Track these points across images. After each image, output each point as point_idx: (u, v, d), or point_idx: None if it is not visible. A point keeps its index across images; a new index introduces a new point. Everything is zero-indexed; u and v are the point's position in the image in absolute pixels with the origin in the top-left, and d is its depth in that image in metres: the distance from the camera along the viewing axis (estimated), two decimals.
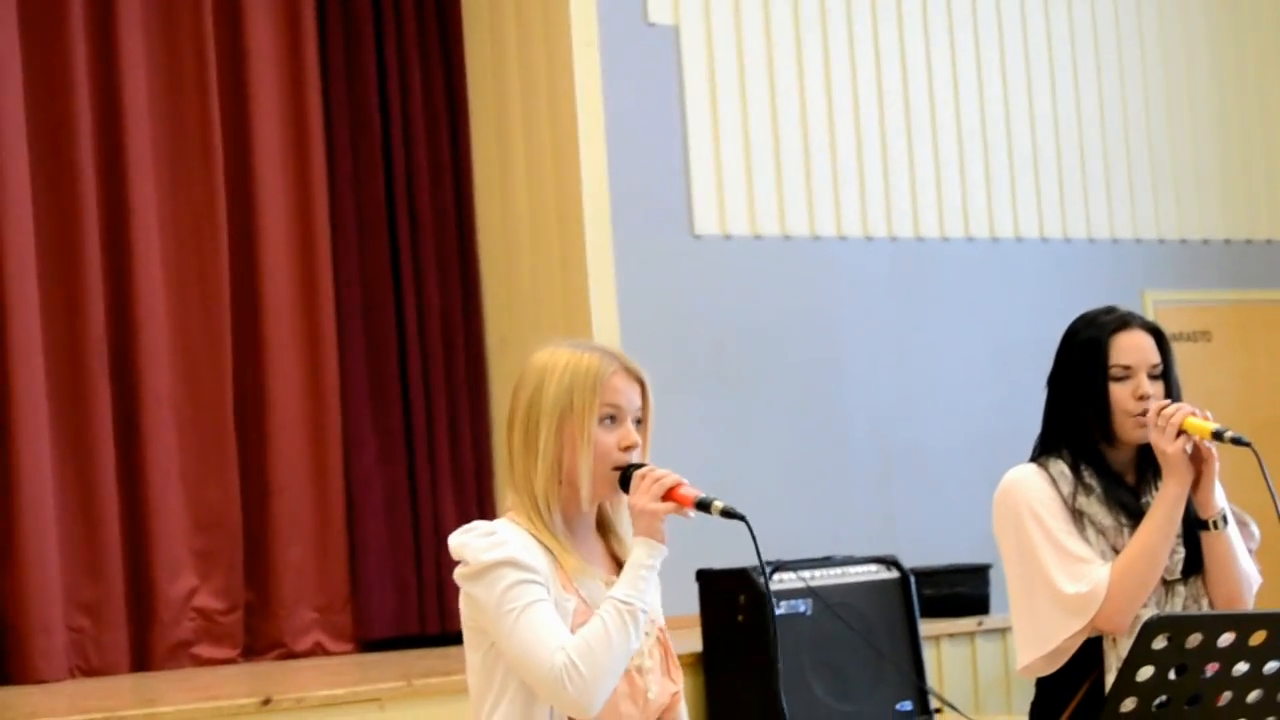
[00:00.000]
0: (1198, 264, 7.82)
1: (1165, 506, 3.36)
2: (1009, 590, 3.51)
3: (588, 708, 2.71)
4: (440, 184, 6.76)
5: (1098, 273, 7.48)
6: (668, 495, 2.75)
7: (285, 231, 6.52)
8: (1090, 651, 3.38)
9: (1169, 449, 3.34)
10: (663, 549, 2.76)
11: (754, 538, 2.75)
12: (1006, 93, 7.45)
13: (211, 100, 6.40)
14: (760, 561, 2.80)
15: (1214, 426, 3.33)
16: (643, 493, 2.76)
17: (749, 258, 6.85)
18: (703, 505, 2.75)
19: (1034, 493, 3.43)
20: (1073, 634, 3.38)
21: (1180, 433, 3.34)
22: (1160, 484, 3.39)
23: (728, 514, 2.74)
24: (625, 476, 2.80)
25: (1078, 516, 3.42)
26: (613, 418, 2.82)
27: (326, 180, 6.61)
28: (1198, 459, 3.38)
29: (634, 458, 2.81)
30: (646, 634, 2.84)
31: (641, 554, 2.75)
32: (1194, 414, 3.36)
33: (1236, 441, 3.31)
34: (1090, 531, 3.41)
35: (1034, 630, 3.43)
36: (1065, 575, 3.37)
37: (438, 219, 6.74)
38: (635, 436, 2.81)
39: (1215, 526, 3.41)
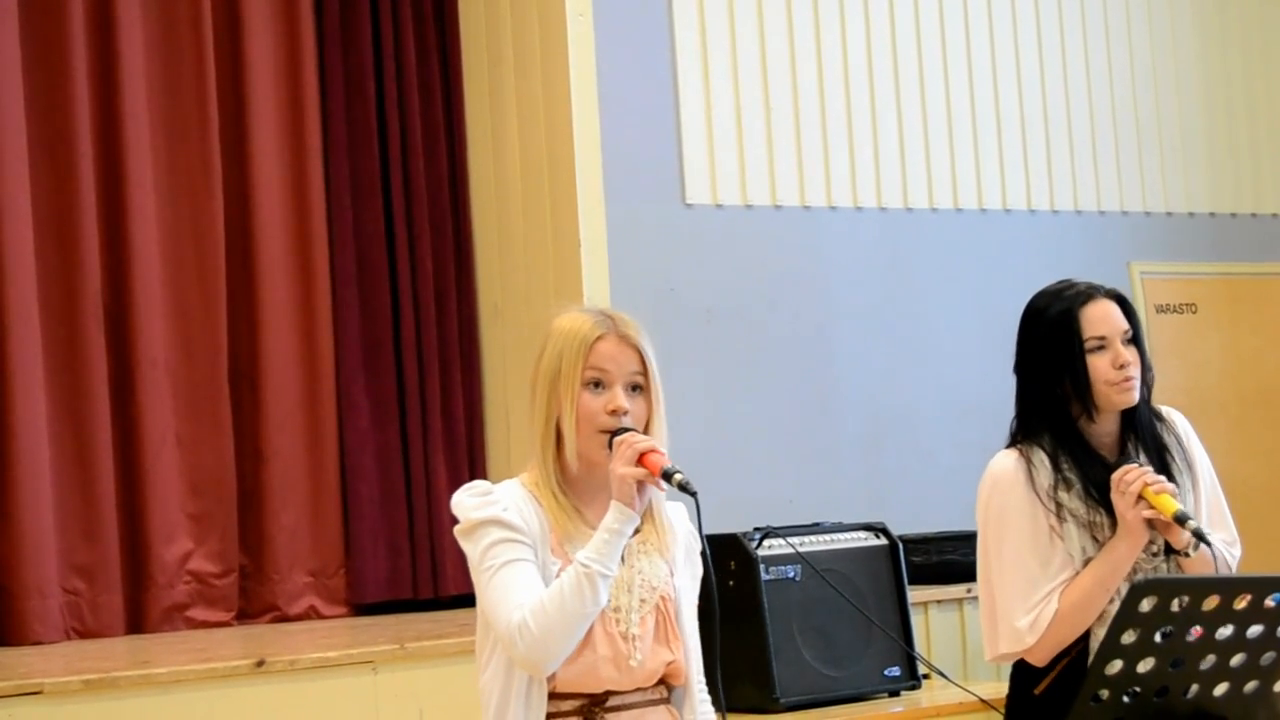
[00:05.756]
0: (1184, 237, 7.85)
1: (1112, 564, 3.37)
2: (978, 577, 3.54)
3: (538, 664, 2.75)
4: (434, 152, 6.78)
5: (1085, 244, 7.51)
6: (640, 460, 2.78)
7: (280, 197, 6.53)
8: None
9: (1128, 514, 3.34)
10: (633, 515, 2.77)
11: (699, 514, 2.81)
12: (995, 66, 7.48)
13: (207, 66, 6.40)
14: (701, 534, 2.84)
15: (1177, 508, 3.30)
16: (618, 457, 2.79)
17: (740, 227, 6.87)
18: (666, 475, 2.77)
19: (1013, 499, 3.44)
20: (1003, 655, 3.44)
21: (1139, 498, 3.34)
22: (1115, 538, 3.37)
23: (683, 487, 2.76)
24: (613, 442, 2.84)
25: (1058, 508, 3.44)
26: (598, 382, 2.85)
27: (321, 147, 6.61)
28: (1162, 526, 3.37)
29: (625, 423, 2.84)
30: (643, 601, 2.88)
31: (610, 518, 2.78)
32: (1150, 484, 3.32)
33: (1197, 535, 3.27)
34: (1071, 524, 3.43)
35: (988, 630, 3.48)
36: (1023, 605, 3.39)
37: (431, 186, 6.75)
38: (622, 401, 2.84)
39: (1188, 554, 3.43)
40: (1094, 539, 3.41)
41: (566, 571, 2.76)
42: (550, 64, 6.45)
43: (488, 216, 6.80)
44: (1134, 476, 3.34)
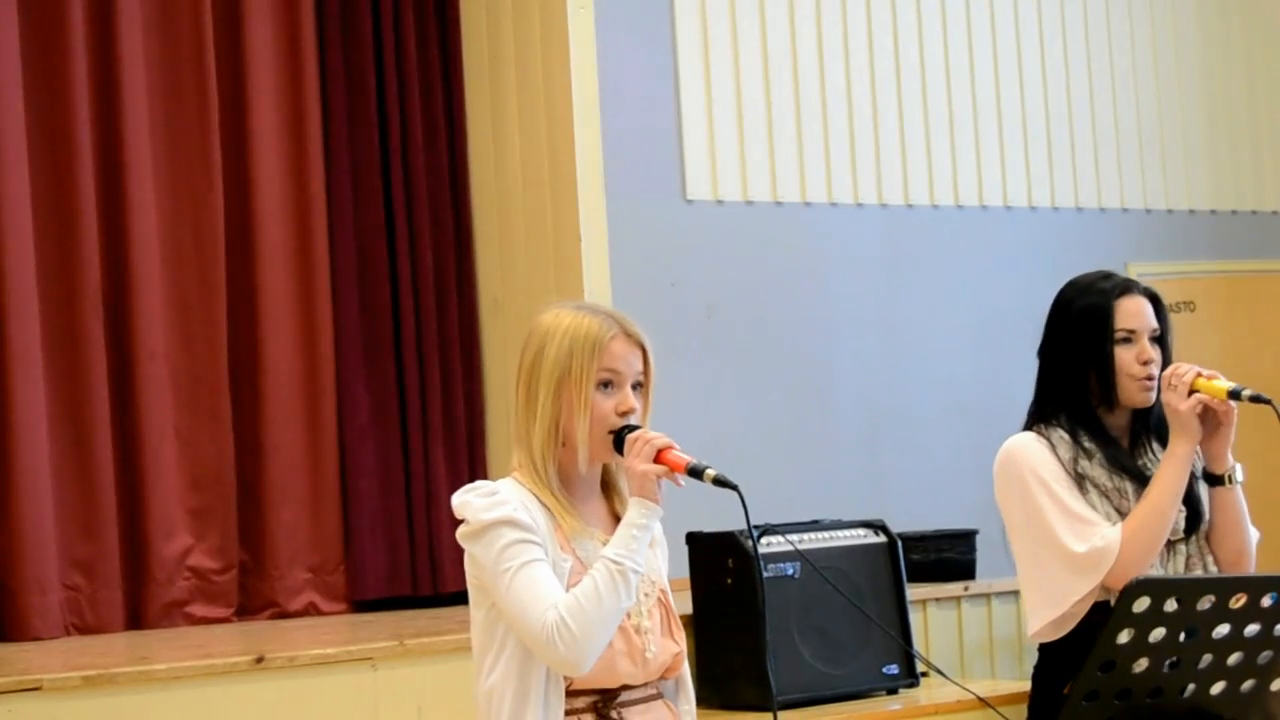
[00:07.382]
0: (1184, 234, 7.85)
1: (1175, 464, 3.43)
2: (1016, 557, 3.54)
3: (577, 664, 2.75)
4: (435, 146, 6.77)
5: (1085, 242, 7.52)
6: (659, 457, 2.78)
7: (280, 191, 6.51)
8: (1098, 618, 3.42)
9: (1181, 407, 3.41)
10: (657, 509, 2.80)
11: (745, 507, 2.79)
12: (996, 63, 7.47)
13: (207, 59, 6.38)
14: (749, 528, 2.82)
15: (1229, 386, 3.40)
16: (635, 455, 2.79)
17: (741, 223, 6.88)
18: (694, 472, 2.78)
19: (1036, 458, 3.48)
20: (1083, 595, 3.42)
21: (1191, 392, 3.40)
22: (1170, 442, 3.44)
23: (720, 482, 2.77)
24: (619, 439, 2.84)
25: (1079, 480, 3.46)
26: (610, 383, 2.85)
27: (321, 141, 6.60)
28: (1214, 416, 3.43)
29: (631, 421, 2.85)
30: (646, 594, 2.89)
31: (634, 514, 2.78)
32: (1202, 374, 3.42)
33: (1255, 399, 3.38)
34: (1093, 495, 3.46)
35: (1045, 594, 3.46)
36: (1073, 536, 3.41)
37: (432, 181, 6.74)
38: (633, 401, 2.85)
39: (1229, 481, 3.48)
40: (1118, 510, 3.44)
41: (596, 569, 2.75)
42: (551, 58, 6.44)
43: (488, 211, 6.80)
44: (1185, 369, 3.44)
